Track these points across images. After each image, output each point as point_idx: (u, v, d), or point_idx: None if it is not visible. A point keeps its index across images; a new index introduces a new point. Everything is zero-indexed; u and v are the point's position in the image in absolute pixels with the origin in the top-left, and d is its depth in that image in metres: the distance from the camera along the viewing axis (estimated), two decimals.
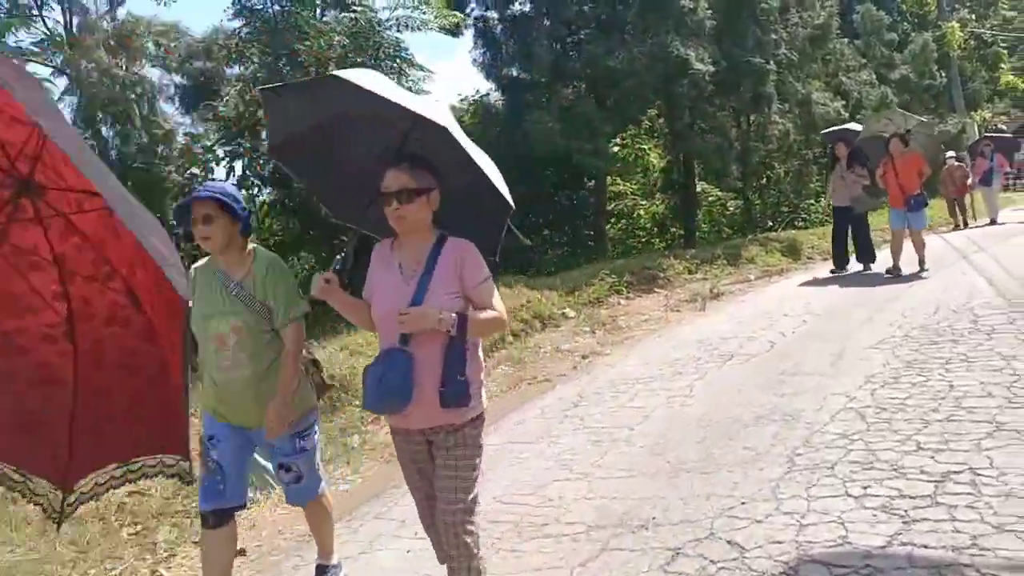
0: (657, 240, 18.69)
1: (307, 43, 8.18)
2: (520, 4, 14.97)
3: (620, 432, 5.76)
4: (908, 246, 11.11)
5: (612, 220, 19.91)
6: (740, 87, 15.22)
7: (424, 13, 8.83)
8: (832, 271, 12.13)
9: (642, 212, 19.40)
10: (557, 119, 13.25)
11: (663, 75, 13.56)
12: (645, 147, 19.37)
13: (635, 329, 10.18)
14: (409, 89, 10.52)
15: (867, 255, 11.99)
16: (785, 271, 13.59)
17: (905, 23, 30.52)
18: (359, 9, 8.25)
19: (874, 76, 23.44)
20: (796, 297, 10.63)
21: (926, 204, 11.12)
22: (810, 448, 4.89)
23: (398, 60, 8.60)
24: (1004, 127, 37.10)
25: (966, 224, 17.78)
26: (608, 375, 7.75)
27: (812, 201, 22.11)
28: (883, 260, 11.78)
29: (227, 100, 9.37)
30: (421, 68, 10.37)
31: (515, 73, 14.95)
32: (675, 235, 18.23)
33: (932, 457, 4.48)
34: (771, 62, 15.37)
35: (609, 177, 20.95)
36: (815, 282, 11.75)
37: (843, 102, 19.52)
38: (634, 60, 13.30)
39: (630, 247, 18.83)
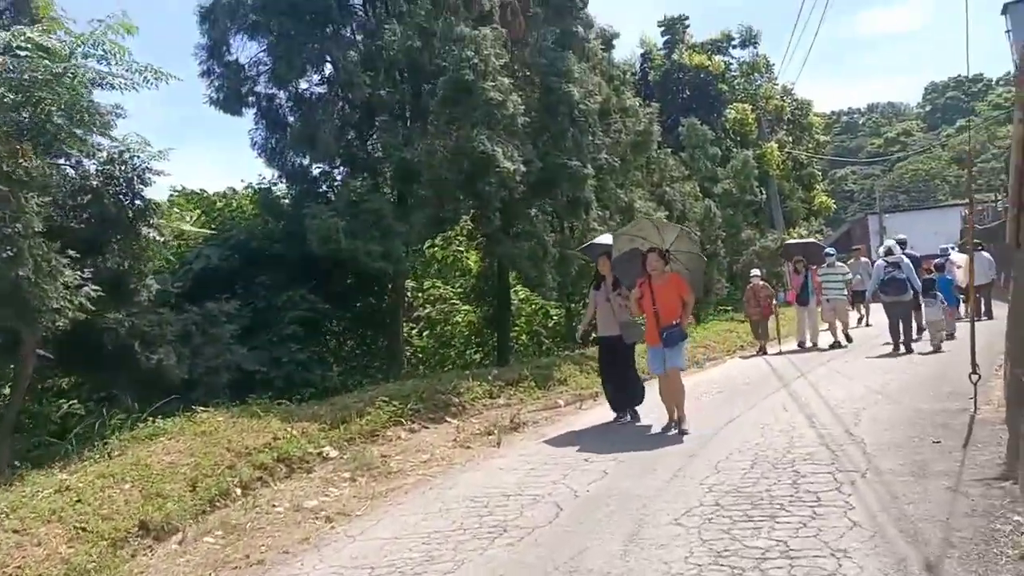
0: (472, 351, 17.01)
1: None
2: (316, 85, 13.32)
3: None
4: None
5: (428, 328, 18.14)
6: (557, 190, 14.08)
7: (108, 65, 6.85)
8: (616, 418, 9.81)
9: (459, 319, 17.76)
10: (343, 214, 11.46)
11: (468, 172, 12.15)
12: (462, 249, 17.93)
13: (409, 474, 8.27)
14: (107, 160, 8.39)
15: (636, 399, 9.75)
16: (599, 395, 12.13)
17: (728, 140, 31.50)
18: (25, 55, 6.20)
19: (698, 188, 23.40)
20: (602, 434, 9.09)
21: (685, 337, 8.84)
22: None
23: (72, 122, 6.50)
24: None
25: (764, 350, 16.27)
26: (340, 557, 5.77)
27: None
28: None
29: None
30: (109, 135, 8.10)
31: (303, 160, 13.15)
32: (493, 346, 16.62)
33: None
34: (589, 166, 14.38)
35: (428, 280, 19.35)
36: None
37: (666, 212, 18.99)
38: (435, 153, 11.83)
39: (444, 358, 17.06)
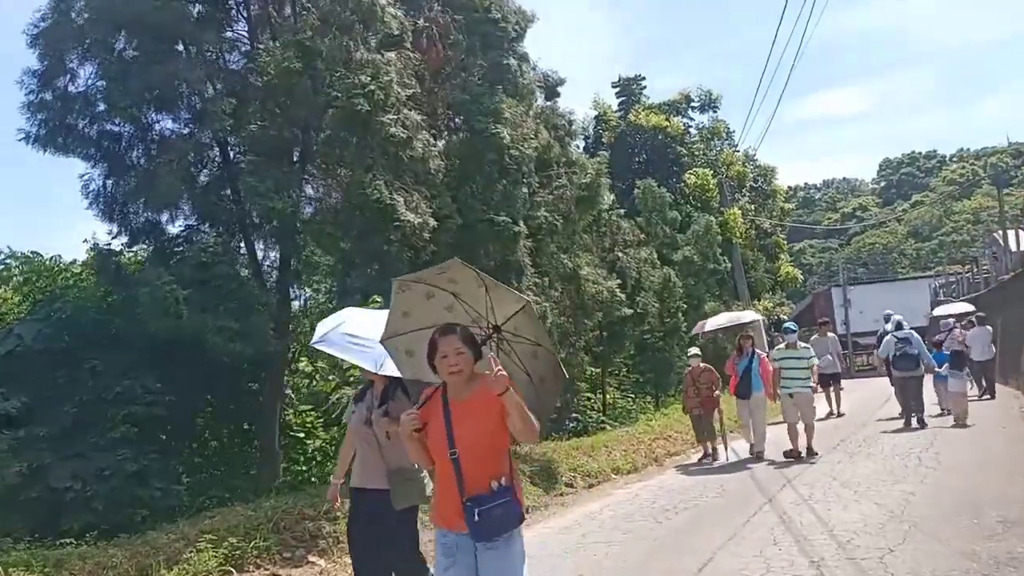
0: None
1: None
2: (185, 123, 10.70)
3: None
4: None
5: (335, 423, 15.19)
6: (482, 251, 11.52)
7: None
8: None
9: None
10: (189, 282, 8.78)
11: (362, 226, 9.57)
12: None
13: None
14: None
15: None
16: (530, 510, 9.32)
17: (688, 205, 29.48)
18: None
19: (655, 255, 21.02)
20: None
21: (521, 520, 3.66)
22: None
23: None
24: (785, 317, 36.71)
25: (713, 455, 12.52)
26: None
27: (588, 396, 18.58)
28: None
29: None
30: None
31: (153, 215, 10.42)
32: None
33: None
34: (521, 223, 11.88)
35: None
36: (568, 529, 7.64)
37: (619, 281, 16.51)
38: (321, 201, 9.26)
39: None
